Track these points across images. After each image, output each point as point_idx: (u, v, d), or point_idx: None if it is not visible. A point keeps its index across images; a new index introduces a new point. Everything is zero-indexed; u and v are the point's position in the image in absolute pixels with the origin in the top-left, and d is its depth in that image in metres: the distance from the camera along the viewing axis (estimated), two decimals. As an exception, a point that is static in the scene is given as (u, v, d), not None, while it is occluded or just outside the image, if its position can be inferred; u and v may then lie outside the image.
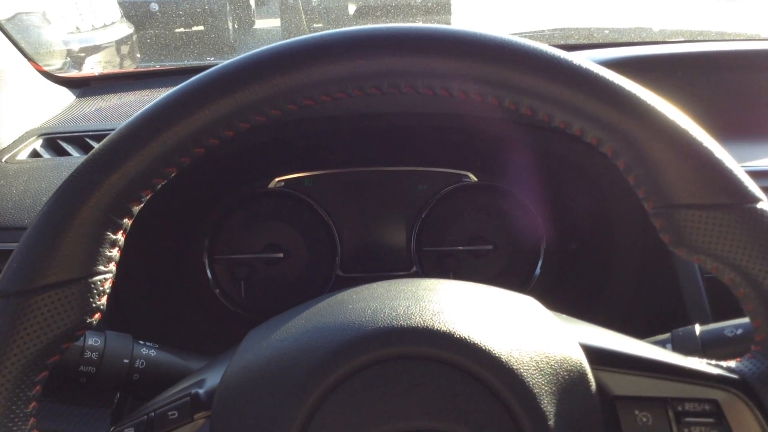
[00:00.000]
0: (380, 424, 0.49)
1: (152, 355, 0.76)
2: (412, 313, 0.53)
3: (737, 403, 0.53)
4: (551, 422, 0.50)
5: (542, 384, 0.51)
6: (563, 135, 1.02)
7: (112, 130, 0.55)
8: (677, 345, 0.69)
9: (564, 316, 0.60)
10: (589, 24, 1.84)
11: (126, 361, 0.74)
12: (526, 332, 0.54)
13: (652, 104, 0.52)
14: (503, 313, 0.57)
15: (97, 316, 0.54)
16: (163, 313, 1.11)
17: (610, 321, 0.64)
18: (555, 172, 1.15)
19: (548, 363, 0.52)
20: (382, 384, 0.50)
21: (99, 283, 0.53)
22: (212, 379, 0.56)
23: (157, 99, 0.53)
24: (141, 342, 0.77)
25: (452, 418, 0.49)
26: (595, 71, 0.52)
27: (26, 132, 1.22)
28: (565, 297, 1.16)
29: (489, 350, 0.51)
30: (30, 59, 1.33)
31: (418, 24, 0.54)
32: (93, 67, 3.03)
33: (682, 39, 1.58)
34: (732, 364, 0.55)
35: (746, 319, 0.65)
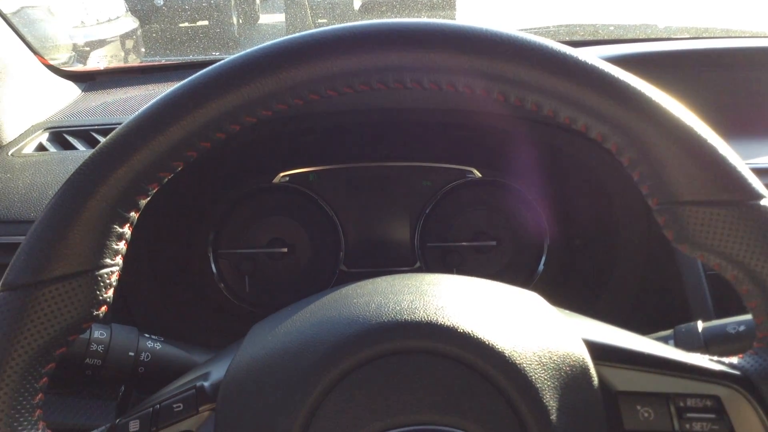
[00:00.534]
0: (383, 418, 0.50)
1: (157, 348, 0.76)
2: (416, 308, 0.53)
3: (739, 400, 0.53)
4: (554, 417, 0.50)
5: (545, 379, 0.51)
6: (568, 131, 1.02)
7: (118, 124, 0.55)
8: (680, 341, 0.69)
9: (567, 311, 0.61)
10: (594, 20, 1.83)
11: (131, 354, 0.74)
12: (529, 327, 0.55)
13: (657, 101, 0.52)
14: (507, 308, 0.57)
15: (103, 308, 0.54)
16: (168, 306, 1.11)
17: (613, 317, 0.64)
18: (559, 169, 1.15)
19: (551, 358, 0.52)
20: (385, 378, 0.51)
21: (106, 276, 0.53)
22: (217, 372, 0.57)
23: (164, 93, 0.54)
24: (146, 335, 0.77)
25: (455, 412, 0.50)
26: (600, 67, 0.52)
27: (32, 126, 1.22)
28: (568, 293, 1.16)
29: (492, 345, 0.51)
30: (36, 53, 1.33)
31: (425, 19, 0.54)
32: (98, 61, 3.03)
33: (688, 36, 1.57)
34: (734, 360, 0.55)
35: (749, 316, 0.65)
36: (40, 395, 0.53)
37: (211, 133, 0.53)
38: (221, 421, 0.53)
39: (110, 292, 0.54)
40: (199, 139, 0.53)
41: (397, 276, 0.61)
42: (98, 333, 0.74)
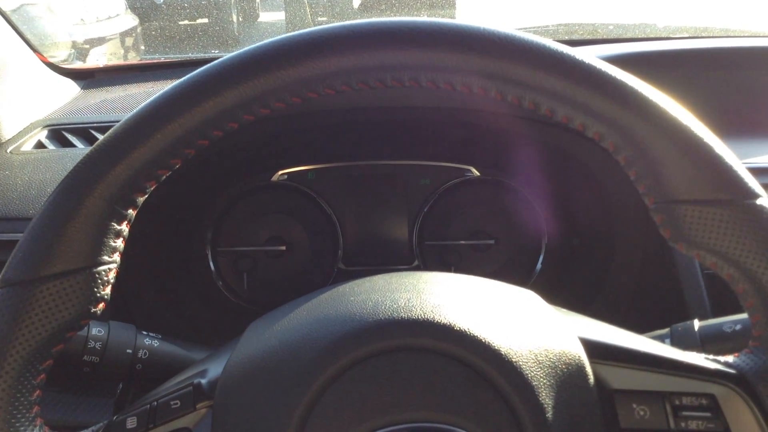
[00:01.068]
0: (380, 416, 0.50)
1: (155, 345, 0.76)
2: (412, 306, 0.53)
3: (734, 398, 0.53)
4: (549, 415, 0.50)
5: (541, 377, 0.51)
6: (566, 130, 1.02)
7: (117, 121, 0.55)
8: (676, 340, 0.70)
9: (564, 310, 0.61)
10: (593, 20, 1.83)
11: (129, 351, 0.74)
12: (525, 325, 0.55)
13: (653, 100, 0.52)
14: (503, 306, 0.57)
15: (101, 305, 0.54)
16: (166, 304, 1.11)
17: (610, 316, 0.65)
18: (557, 168, 1.15)
19: (547, 356, 0.53)
20: (382, 375, 0.51)
21: (103, 273, 0.54)
22: (214, 369, 0.57)
23: (163, 91, 0.54)
24: (144, 332, 0.77)
25: (452, 409, 0.50)
26: (597, 66, 0.52)
27: (31, 123, 1.22)
28: (565, 292, 1.17)
29: (489, 343, 0.51)
30: (35, 50, 1.33)
31: (423, 18, 0.54)
32: (98, 58, 3.03)
33: (686, 35, 1.57)
34: (730, 359, 0.55)
35: (745, 315, 0.65)
36: (37, 392, 0.53)
37: (209, 131, 0.53)
38: (218, 418, 0.53)
39: (108, 290, 0.54)
40: (197, 137, 0.53)
41: (394, 274, 0.61)
42: (96, 330, 0.74)
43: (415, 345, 0.52)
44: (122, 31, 3.45)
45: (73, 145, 1.14)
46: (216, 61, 0.54)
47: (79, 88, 1.41)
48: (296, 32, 0.54)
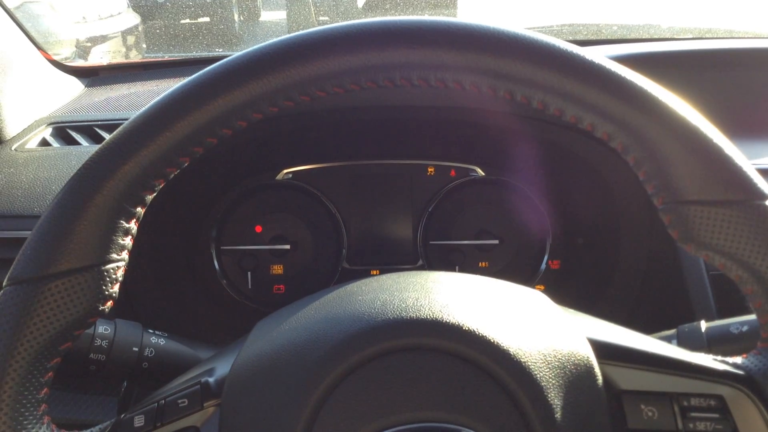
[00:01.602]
0: (387, 415, 0.50)
1: (161, 344, 0.76)
2: (421, 305, 0.53)
3: (742, 399, 0.53)
4: (558, 415, 0.50)
5: (549, 377, 0.51)
6: (572, 130, 1.02)
7: (121, 119, 0.55)
8: (683, 341, 0.70)
9: (571, 310, 0.61)
10: (598, 20, 1.83)
11: (135, 349, 0.74)
12: (534, 326, 0.55)
13: (663, 100, 0.52)
14: (512, 306, 0.57)
15: (109, 303, 0.54)
16: (171, 302, 1.11)
17: (615, 316, 0.65)
18: (562, 168, 1.15)
19: (556, 356, 0.53)
20: (390, 375, 0.51)
21: (112, 270, 0.54)
22: (222, 368, 0.57)
23: (172, 89, 0.54)
24: (150, 331, 0.77)
25: (459, 409, 0.50)
26: (608, 67, 0.52)
27: (36, 121, 1.22)
28: (570, 292, 1.17)
29: (497, 343, 0.51)
30: (40, 48, 1.33)
31: (432, 17, 0.54)
32: (101, 57, 3.03)
33: (691, 36, 1.57)
34: (738, 360, 0.55)
35: (752, 317, 0.65)
36: (45, 390, 0.53)
37: (218, 130, 0.53)
38: (226, 416, 0.53)
39: (116, 287, 0.54)
40: (205, 136, 0.53)
41: (402, 273, 0.61)
42: (102, 328, 0.74)
43: (423, 344, 0.52)
44: (124, 29, 3.45)
45: (77, 143, 1.14)
46: (225, 60, 0.54)
47: (83, 86, 1.41)
48: (305, 31, 0.54)
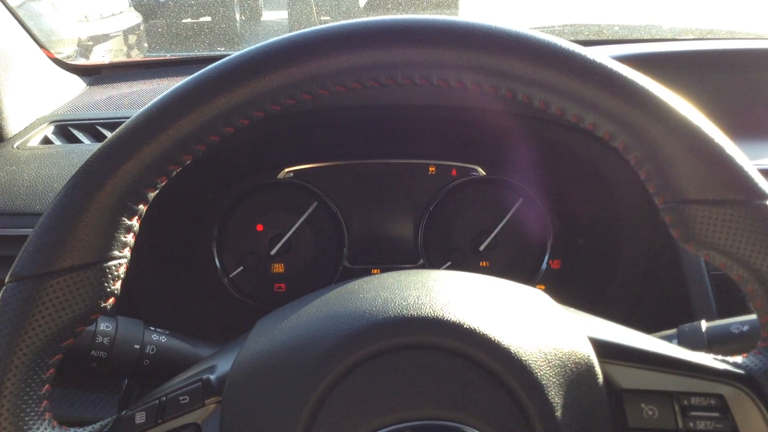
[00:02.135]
0: (388, 413, 0.50)
1: (162, 341, 0.76)
2: (422, 303, 0.54)
3: (743, 399, 0.53)
4: (558, 413, 0.50)
5: (550, 376, 0.51)
6: (572, 129, 1.02)
7: (123, 117, 0.55)
8: (683, 340, 0.70)
9: (572, 309, 0.61)
10: (599, 20, 1.83)
11: (137, 346, 0.74)
12: (535, 324, 0.55)
13: (665, 100, 0.52)
14: (513, 305, 0.57)
15: (111, 300, 0.54)
16: (173, 300, 1.11)
17: (615, 316, 0.65)
18: (563, 167, 1.16)
19: (556, 355, 0.53)
20: (391, 373, 0.51)
21: (114, 267, 0.54)
22: (223, 365, 0.57)
23: (174, 87, 0.54)
24: (152, 328, 0.77)
25: (460, 407, 0.50)
26: (609, 66, 0.52)
27: (38, 119, 1.22)
28: (571, 292, 1.17)
29: (498, 341, 0.51)
30: (42, 46, 1.33)
31: (433, 16, 0.54)
32: (103, 55, 3.03)
33: (692, 37, 1.57)
34: (738, 359, 0.55)
35: (752, 316, 0.66)
36: (46, 386, 0.53)
37: (220, 127, 0.53)
38: (227, 413, 0.54)
39: (118, 284, 0.54)
40: (207, 133, 0.53)
41: (403, 272, 0.61)
42: (104, 325, 0.74)
43: (424, 342, 0.52)
44: (126, 28, 3.45)
45: (79, 141, 1.15)
46: (227, 58, 0.54)
47: (85, 85, 1.42)
48: (308, 29, 0.54)
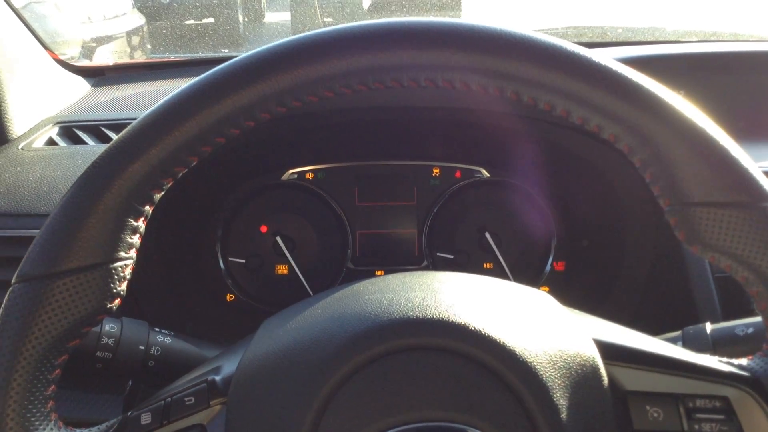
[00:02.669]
0: (393, 414, 0.50)
1: (167, 342, 0.77)
2: (427, 305, 0.54)
3: (748, 401, 0.53)
4: (563, 415, 0.50)
5: (555, 377, 0.51)
6: (577, 132, 1.02)
7: (128, 119, 0.55)
8: (688, 342, 0.70)
9: (577, 311, 0.61)
10: (602, 22, 1.83)
11: (142, 347, 0.75)
12: (540, 326, 0.55)
13: (670, 102, 0.52)
14: (518, 306, 0.57)
15: (117, 301, 0.54)
16: (177, 301, 1.11)
17: (619, 318, 0.65)
18: (567, 169, 1.16)
19: (561, 357, 0.53)
20: (396, 374, 0.51)
21: (120, 268, 0.54)
22: (228, 366, 0.57)
23: (180, 89, 0.54)
24: (157, 329, 0.77)
25: (465, 409, 0.50)
26: (614, 69, 0.52)
27: (42, 120, 1.23)
28: (575, 293, 1.17)
29: (503, 343, 0.52)
30: (47, 48, 1.34)
31: (440, 18, 0.54)
32: (105, 57, 3.04)
33: (696, 39, 1.57)
34: (743, 361, 0.55)
35: (757, 318, 0.66)
36: (52, 387, 0.53)
37: (227, 129, 0.54)
38: (232, 414, 0.54)
39: (124, 285, 0.55)
40: (214, 135, 0.54)
41: (408, 273, 0.61)
42: (109, 326, 0.74)
43: (429, 344, 0.52)
44: (129, 29, 3.46)
45: (84, 143, 1.15)
46: (233, 60, 0.54)
47: (89, 86, 1.42)
48: (313, 32, 0.54)
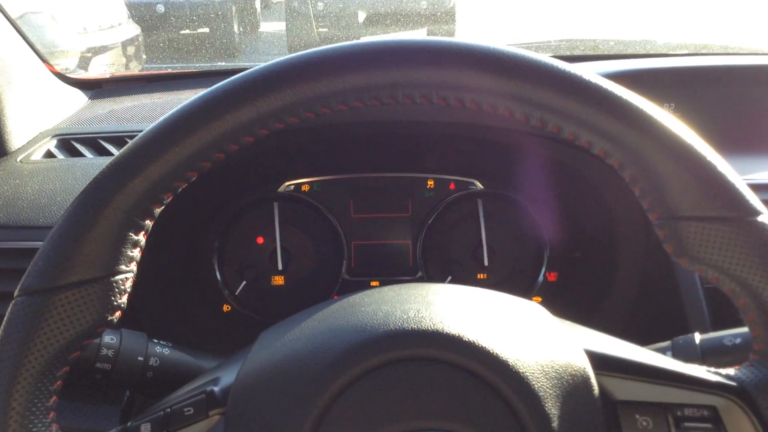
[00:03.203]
0: (389, 425, 0.51)
1: (166, 353, 0.77)
2: (422, 317, 0.55)
3: (735, 410, 0.54)
4: (555, 425, 0.51)
5: (547, 387, 0.52)
6: (569, 146, 1.03)
7: (125, 131, 0.56)
8: (677, 352, 0.71)
9: (569, 322, 0.62)
10: (594, 36, 1.85)
11: (140, 358, 0.75)
12: (532, 337, 0.56)
13: (657, 118, 0.53)
14: (510, 318, 0.58)
15: (117, 313, 0.55)
16: (175, 313, 1.12)
17: (611, 328, 0.66)
18: (560, 182, 1.17)
19: (553, 367, 0.54)
20: (392, 385, 0.52)
21: (121, 282, 0.55)
22: (227, 377, 0.58)
23: (181, 105, 0.55)
24: (155, 340, 0.78)
25: (459, 419, 0.51)
26: (603, 86, 0.53)
27: (40, 132, 1.23)
28: (567, 304, 1.18)
29: (496, 354, 0.52)
30: (44, 60, 1.34)
31: (434, 37, 0.55)
32: (103, 67, 3.04)
33: (686, 52, 1.59)
34: (731, 371, 0.56)
35: (745, 329, 0.67)
36: (54, 398, 0.54)
37: (226, 145, 0.55)
38: (231, 425, 0.54)
39: (125, 298, 0.55)
40: (213, 151, 0.55)
41: (403, 285, 0.62)
42: (108, 338, 0.74)
43: (424, 355, 0.53)
44: (124, 40, 3.47)
45: (82, 155, 1.15)
46: (233, 77, 0.55)
47: (86, 98, 1.43)
48: (311, 50, 0.56)
